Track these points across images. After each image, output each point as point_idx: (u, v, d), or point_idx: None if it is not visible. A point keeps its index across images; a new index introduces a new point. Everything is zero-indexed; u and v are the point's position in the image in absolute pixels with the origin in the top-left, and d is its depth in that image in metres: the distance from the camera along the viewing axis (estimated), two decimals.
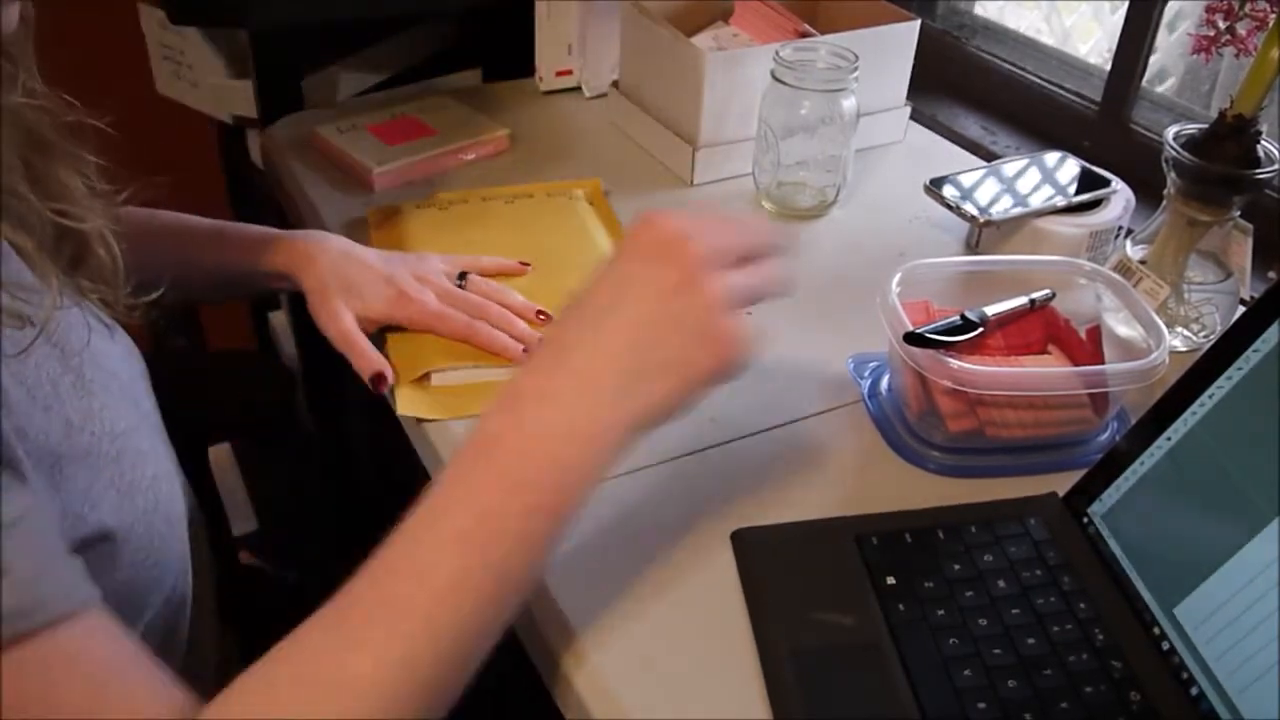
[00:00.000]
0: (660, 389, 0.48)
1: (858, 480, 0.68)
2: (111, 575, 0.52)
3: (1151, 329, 0.68)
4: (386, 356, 0.73)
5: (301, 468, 1.57)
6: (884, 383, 0.74)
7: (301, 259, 0.75)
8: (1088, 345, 0.71)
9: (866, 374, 0.75)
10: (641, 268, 0.48)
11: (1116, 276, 0.73)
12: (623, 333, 0.48)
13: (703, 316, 0.48)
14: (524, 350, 0.72)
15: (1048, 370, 0.70)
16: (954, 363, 0.64)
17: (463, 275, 0.78)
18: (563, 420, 0.47)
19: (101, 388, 0.55)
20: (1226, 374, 0.56)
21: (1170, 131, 0.77)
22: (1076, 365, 0.70)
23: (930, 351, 0.65)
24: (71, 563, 0.46)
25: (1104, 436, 0.70)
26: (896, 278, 0.70)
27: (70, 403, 0.52)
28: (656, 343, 0.47)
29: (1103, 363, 0.69)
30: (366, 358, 0.71)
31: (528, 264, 0.81)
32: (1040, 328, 0.73)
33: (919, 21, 1.03)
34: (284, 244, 0.77)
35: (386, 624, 0.45)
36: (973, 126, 1.18)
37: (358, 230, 0.88)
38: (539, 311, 0.76)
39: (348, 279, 0.74)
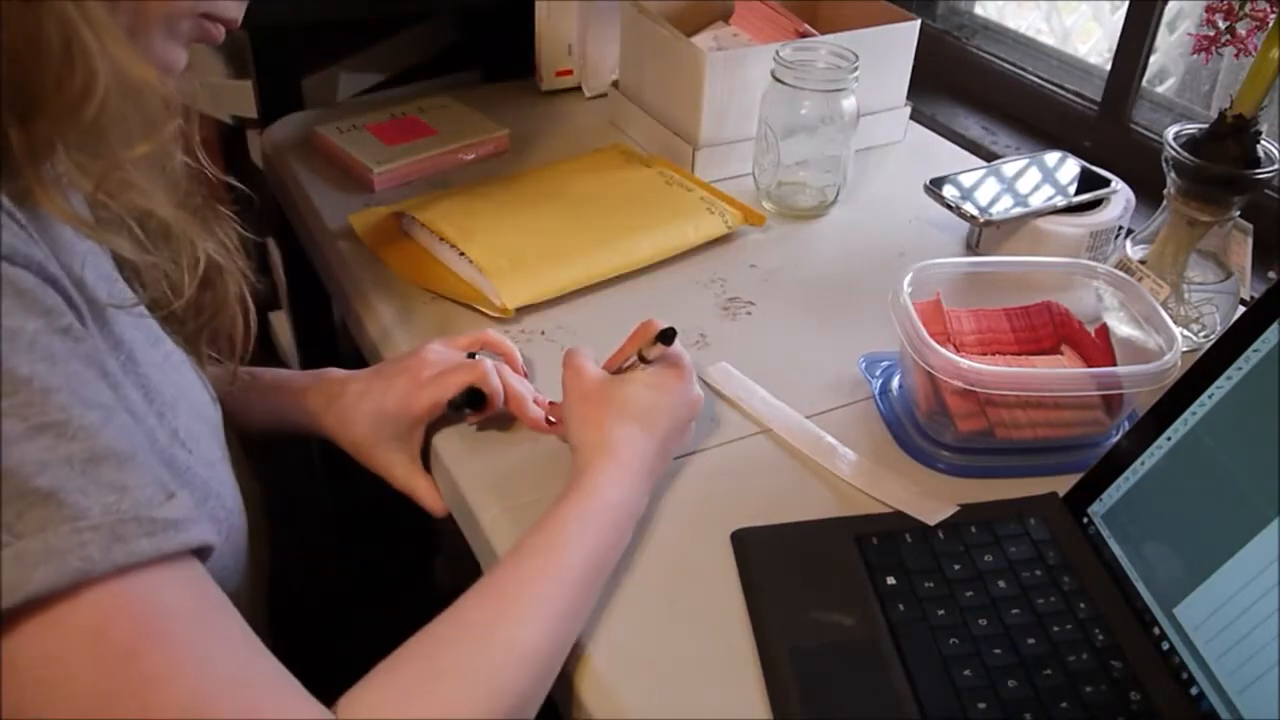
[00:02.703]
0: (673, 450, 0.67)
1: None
2: None
3: (1163, 330, 0.67)
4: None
5: (302, 468, 1.57)
6: (895, 382, 0.74)
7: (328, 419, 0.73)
8: (1100, 346, 0.70)
9: (878, 373, 0.75)
10: (650, 393, 0.64)
11: (1130, 279, 0.72)
12: (656, 440, 0.63)
13: (690, 400, 0.66)
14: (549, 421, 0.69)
15: (1058, 371, 0.69)
16: (964, 363, 0.64)
17: (471, 355, 0.72)
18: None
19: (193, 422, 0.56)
20: (1226, 374, 0.56)
21: (1170, 131, 0.77)
22: (1090, 366, 0.69)
23: (941, 351, 0.64)
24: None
25: (1115, 438, 0.69)
26: (908, 278, 0.70)
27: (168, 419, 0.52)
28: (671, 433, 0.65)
29: (1115, 364, 0.69)
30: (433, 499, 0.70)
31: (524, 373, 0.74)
32: (1053, 327, 0.73)
33: (919, 21, 1.03)
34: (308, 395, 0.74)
35: (542, 602, 0.53)
36: (973, 126, 1.18)
37: (353, 235, 0.88)
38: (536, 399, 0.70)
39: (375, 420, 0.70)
